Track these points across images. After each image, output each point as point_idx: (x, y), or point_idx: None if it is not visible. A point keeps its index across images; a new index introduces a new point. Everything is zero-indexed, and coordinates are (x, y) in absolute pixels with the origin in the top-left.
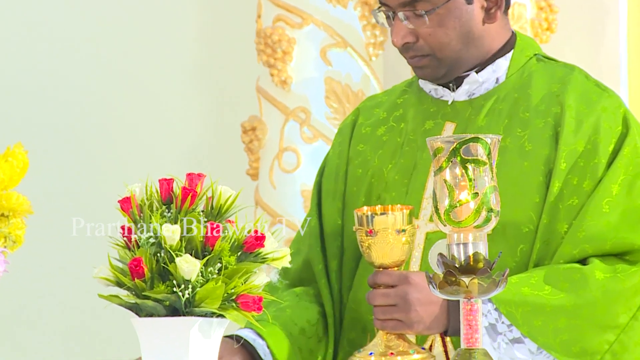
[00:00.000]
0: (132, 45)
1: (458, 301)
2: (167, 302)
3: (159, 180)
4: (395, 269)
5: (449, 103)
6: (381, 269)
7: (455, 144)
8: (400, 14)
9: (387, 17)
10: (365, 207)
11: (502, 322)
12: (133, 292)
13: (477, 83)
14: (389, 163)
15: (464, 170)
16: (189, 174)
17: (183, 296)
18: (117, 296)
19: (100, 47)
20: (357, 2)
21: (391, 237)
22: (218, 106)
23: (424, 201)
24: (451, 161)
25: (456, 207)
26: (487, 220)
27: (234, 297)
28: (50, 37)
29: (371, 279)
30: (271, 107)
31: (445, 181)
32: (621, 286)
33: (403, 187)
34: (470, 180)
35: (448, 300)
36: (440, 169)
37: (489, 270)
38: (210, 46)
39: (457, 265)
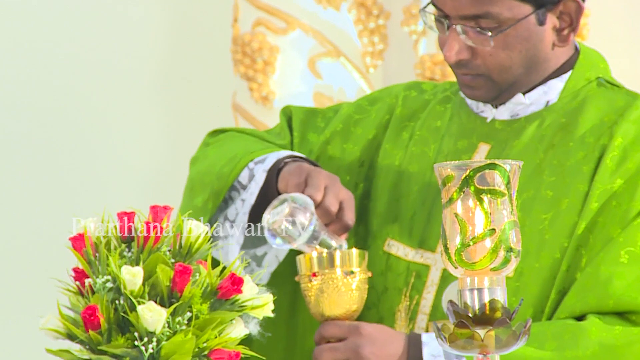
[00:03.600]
0: (83, 52)
1: (420, 353)
2: (127, 358)
3: (118, 214)
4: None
5: (488, 121)
6: (328, 321)
7: (468, 171)
8: (459, 27)
9: (438, 22)
10: (312, 253)
11: None
12: (87, 346)
13: (524, 104)
14: (414, 185)
15: (478, 203)
16: (153, 207)
17: (146, 351)
18: (68, 351)
19: (45, 51)
20: (352, 3)
21: (337, 281)
22: (187, 126)
23: None
24: (463, 191)
25: (469, 245)
26: (506, 261)
27: (206, 352)
28: None
29: (317, 333)
30: (250, 128)
31: (456, 215)
32: (618, 351)
33: (424, 216)
34: (486, 214)
35: (408, 352)
36: (450, 201)
37: (508, 320)
38: (178, 55)
39: (470, 315)
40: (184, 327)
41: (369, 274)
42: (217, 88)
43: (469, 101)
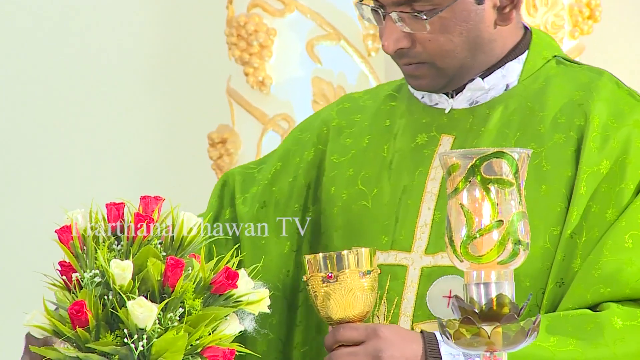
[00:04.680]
0: (71, 35)
1: (437, 352)
2: (117, 356)
3: (107, 205)
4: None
5: (446, 112)
6: (342, 324)
7: (475, 160)
8: (394, 14)
9: (375, 13)
10: (318, 254)
11: None
12: (74, 344)
13: (483, 90)
14: (373, 187)
15: (485, 193)
16: (143, 197)
17: (136, 349)
18: (54, 349)
19: (33, 34)
20: None
21: (353, 282)
22: (179, 113)
23: (417, 230)
24: (469, 181)
25: (475, 238)
26: (514, 254)
27: (199, 350)
28: None
29: (331, 337)
30: (246, 115)
31: (461, 206)
32: None
33: (392, 216)
34: (493, 204)
35: (425, 352)
36: (455, 191)
37: (516, 316)
38: (171, 39)
39: (476, 311)
40: (175, 324)
41: (379, 271)
42: (211, 73)
43: (419, 95)
